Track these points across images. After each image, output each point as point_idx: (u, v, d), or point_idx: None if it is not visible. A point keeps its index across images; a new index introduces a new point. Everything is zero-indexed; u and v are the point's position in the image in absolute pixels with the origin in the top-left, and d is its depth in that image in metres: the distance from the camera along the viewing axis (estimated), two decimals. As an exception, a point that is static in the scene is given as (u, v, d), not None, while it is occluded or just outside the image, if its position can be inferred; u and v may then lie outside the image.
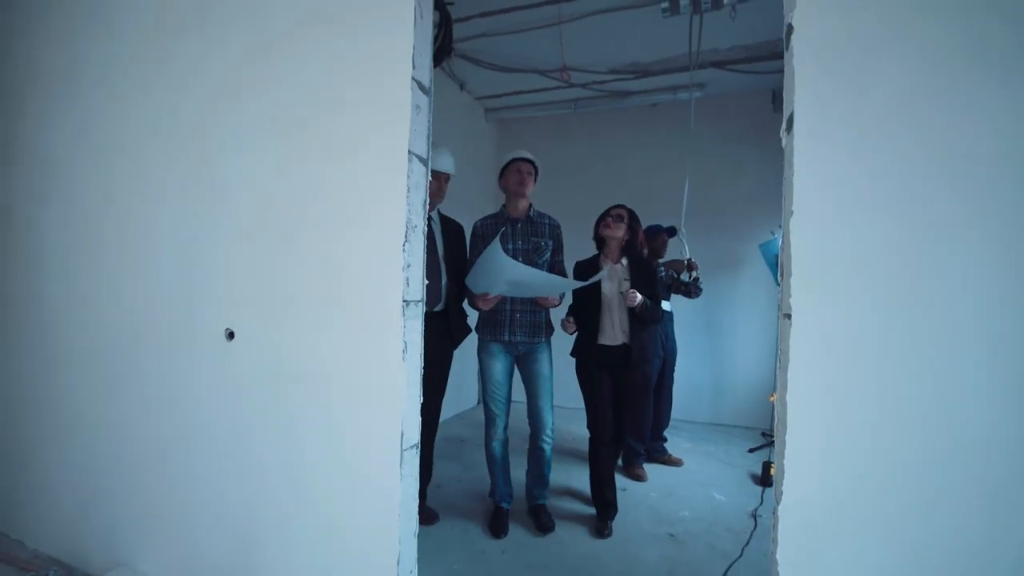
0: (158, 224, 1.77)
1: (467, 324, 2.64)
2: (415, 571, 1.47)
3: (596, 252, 2.66)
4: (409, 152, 1.36)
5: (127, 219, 1.84)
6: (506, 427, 2.53)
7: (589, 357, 2.55)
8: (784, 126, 1.07)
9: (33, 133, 2.08)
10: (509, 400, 2.53)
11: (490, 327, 2.48)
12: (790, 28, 1.02)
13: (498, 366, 2.48)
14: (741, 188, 4.36)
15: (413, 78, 1.36)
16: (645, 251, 2.72)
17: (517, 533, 2.47)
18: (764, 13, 3.08)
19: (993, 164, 0.93)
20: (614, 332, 2.51)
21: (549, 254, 2.48)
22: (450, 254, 2.51)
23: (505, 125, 5.28)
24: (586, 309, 2.57)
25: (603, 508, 2.54)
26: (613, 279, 2.54)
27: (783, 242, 1.06)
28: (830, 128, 1.00)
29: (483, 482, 3.04)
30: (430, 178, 1.48)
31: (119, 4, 1.86)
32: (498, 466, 2.55)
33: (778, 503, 1.04)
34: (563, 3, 3.21)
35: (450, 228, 2.58)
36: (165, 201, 1.75)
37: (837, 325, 1.00)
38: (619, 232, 2.53)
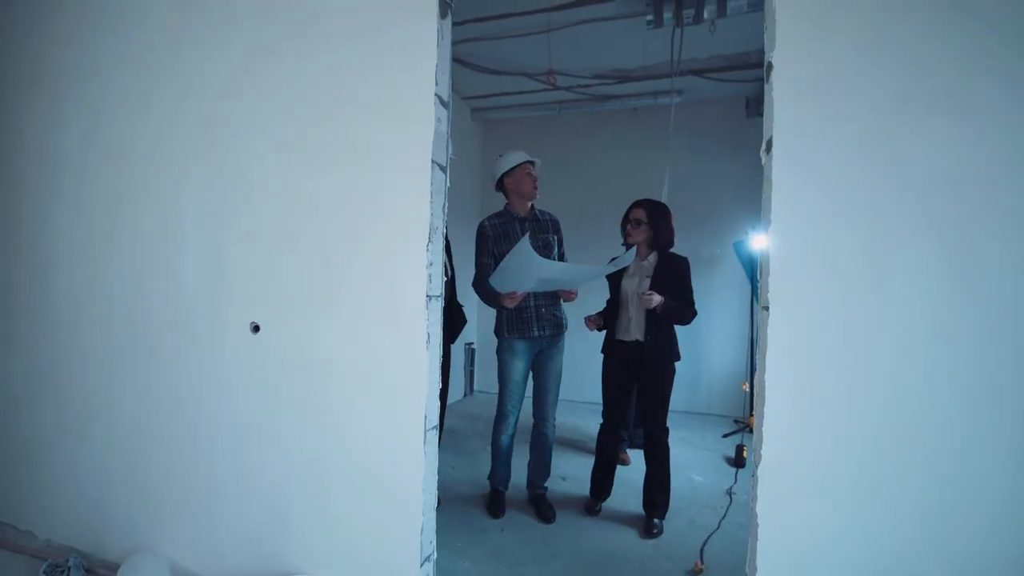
0: (181, 222, 1.86)
1: (464, 316, 2.72)
2: (434, 541, 1.63)
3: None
4: (432, 161, 1.50)
5: (146, 218, 1.92)
6: (516, 422, 2.59)
7: (608, 351, 2.62)
8: (764, 147, 1.26)
9: (43, 132, 2.13)
10: (522, 399, 2.58)
11: (517, 325, 2.49)
12: (770, 65, 1.21)
13: (521, 366, 2.51)
14: (716, 189, 4.61)
15: (436, 94, 1.50)
16: (673, 243, 2.59)
17: (517, 519, 2.57)
18: (740, 27, 3.30)
19: (940, 186, 1.13)
20: (629, 329, 2.52)
21: (556, 249, 2.59)
22: (448, 252, 2.58)
23: (491, 125, 5.41)
24: (610, 304, 2.65)
25: (598, 490, 2.68)
26: (635, 275, 2.53)
27: (764, 246, 1.26)
28: (803, 151, 1.19)
29: (477, 470, 3.20)
30: None
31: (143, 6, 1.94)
32: (503, 455, 2.62)
33: (757, 465, 1.24)
34: (554, 12, 3.37)
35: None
36: (189, 201, 1.85)
37: (807, 315, 1.20)
38: (640, 237, 2.52)
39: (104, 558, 2.05)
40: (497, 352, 2.58)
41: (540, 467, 2.67)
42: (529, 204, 2.56)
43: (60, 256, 2.11)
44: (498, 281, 2.34)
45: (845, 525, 1.19)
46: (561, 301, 2.58)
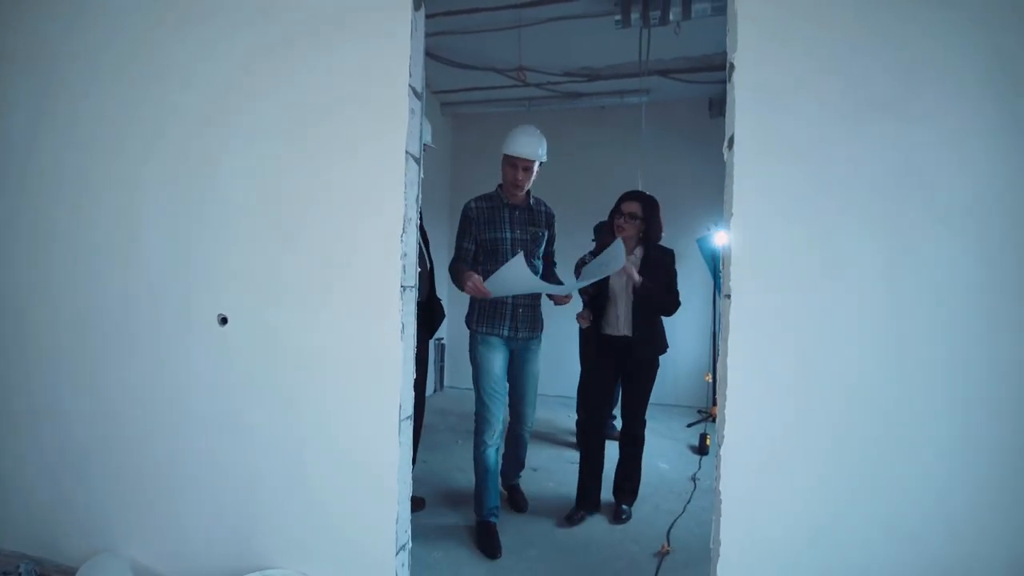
0: (141, 211, 1.80)
1: (443, 310, 2.62)
2: (409, 530, 1.64)
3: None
4: (406, 152, 1.51)
5: (110, 210, 1.85)
6: (503, 431, 2.30)
7: (592, 344, 2.60)
8: (726, 144, 1.33)
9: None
10: (506, 398, 2.32)
11: (488, 320, 2.31)
12: (732, 66, 1.28)
13: (499, 360, 2.28)
14: (680, 186, 4.74)
15: (409, 85, 1.51)
16: (662, 236, 2.57)
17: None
18: (704, 31, 3.41)
19: (884, 184, 1.22)
20: (618, 324, 2.48)
21: (545, 245, 2.42)
22: (426, 243, 2.49)
23: (461, 120, 5.41)
24: (596, 297, 2.57)
25: (584, 499, 2.54)
26: (622, 272, 2.42)
27: (726, 239, 1.32)
28: (762, 147, 1.26)
29: (450, 462, 3.21)
30: None
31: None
32: (491, 477, 2.26)
33: (720, 446, 1.31)
34: (523, 8, 3.40)
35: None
36: (150, 189, 1.79)
37: (765, 302, 1.27)
38: (632, 231, 2.44)
39: (59, 562, 1.98)
40: (470, 348, 2.37)
41: (514, 463, 2.62)
42: (522, 192, 2.32)
43: (10, 248, 2.00)
44: (491, 286, 2.16)
45: (802, 499, 1.27)
46: (540, 301, 2.42)
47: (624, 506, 2.55)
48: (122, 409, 1.86)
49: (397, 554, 1.55)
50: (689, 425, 4.17)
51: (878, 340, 1.22)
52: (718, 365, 1.35)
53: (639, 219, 2.43)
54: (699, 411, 4.55)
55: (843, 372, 1.25)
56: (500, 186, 2.38)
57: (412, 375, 1.60)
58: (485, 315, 2.33)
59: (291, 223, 1.62)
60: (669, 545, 2.24)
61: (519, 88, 4.65)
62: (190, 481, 1.78)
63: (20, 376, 1.99)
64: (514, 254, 2.12)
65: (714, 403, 4.23)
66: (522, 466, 2.66)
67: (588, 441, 2.61)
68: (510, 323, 2.30)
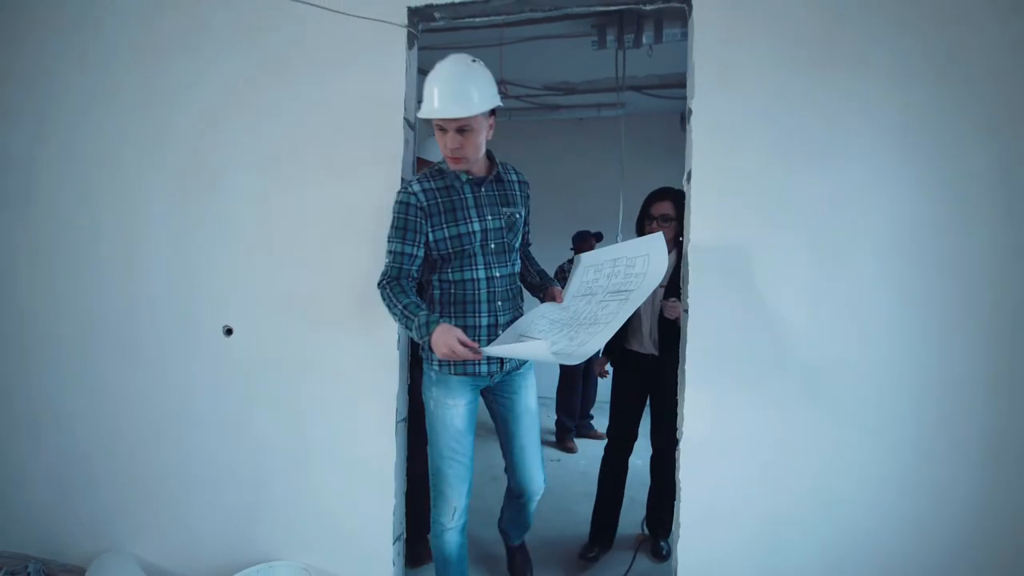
0: (151, 229, 1.91)
1: None
2: (403, 522, 1.80)
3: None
4: (401, 179, 1.67)
5: (114, 224, 1.95)
6: (468, 507, 1.58)
7: (619, 359, 2.25)
8: (685, 177, 1.52)
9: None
10: (473, 461, 1.58)
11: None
12: (690, 111, 1.47)
13: (461, 407, 1.54)
14: (655, 195, 4.98)
15: (404, 118, 1.67)
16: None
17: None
18: (674, 51, 3.62)
19: (819, 209, 1.42)
20: (643, 340, 2.14)
21: (521, 226, 1.60)
22: None
23: (443, 129, 5.55)
24: None
25: (600, 533, 2.26)
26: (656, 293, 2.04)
27: (685, 259, 1.51)
28: (713, 180, 1.46)
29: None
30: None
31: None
32: (452, 570, 1.60)
33: (680, 440, 1.50)
34: (505, 28, 3.57)
35: None
36: (153, 204, 1.90)
37: (718, 315, 1.47)
38: (668, 235, 1.97)
39: (65, 562, 2.06)
40: (423, 388, 1.59)
41: (516, 527, 1.90)
42: (484, 158, 1.52)
43: (5, 258, 2.08)
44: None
45: (749, 484, 1.48)
46: (522, 296, 1.65)
47: (662, 542, 2.29)
48: (126, 415, 1.96)
49: (394, 543, 1.71)
50: (662, 423, 4.39)
51: (812, 343, 1.43)
52: (679, 371, 1.54)
53: (673, 220, 2.01)
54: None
55: (783, 372, 1.45)
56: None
57: (406, 381, 1.76)
58: None
59: (292, 240, 1.76)
60: (645, 532, 2.43)
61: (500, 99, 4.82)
62: (196, 482, 1.89)
63: (25, 387, 2.07)
64: (488, 254, 1.50)
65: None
66: (527, 528, 1.90)
67: (611, 468, 2.25)
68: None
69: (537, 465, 1.65)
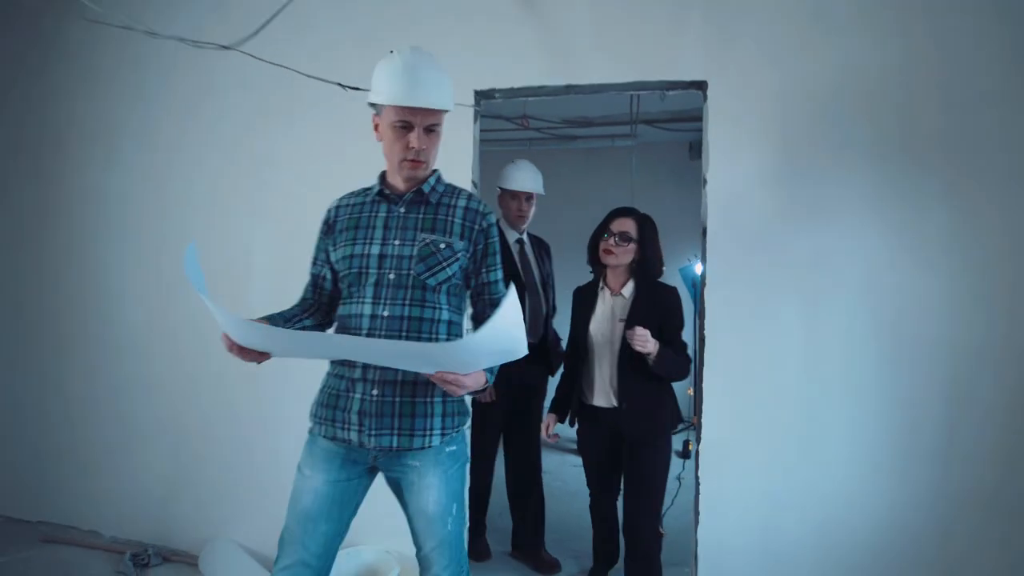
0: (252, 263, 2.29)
1: (561, 348, 2.23)
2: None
3: (592, 275, 2.00)
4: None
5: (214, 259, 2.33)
6: None
7: (580, 414, 2.01)
8: (702, 231, 1.89)
9: (99, 177, 2.48)
10: (325, 564, 1.29)
11: (325, 404, 1.28)
12: (705, 180, 1.85)
13: (313, 481, 1.27)
14: (664, 220, 5.26)
15: (472, 180, 2.05)
16: (662, 272, 1.94)
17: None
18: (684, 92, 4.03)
19: (810, 263, 1.79)
20: (604, 390, 1.87)
21: (459, 266, 1.26)
22: (543, 276, 2.34)
23: (466, 156, 5.95)
24: (571, 354, 1.96)
25: (603, 557, 2.19)
26: (606, 318, 1.87)
27: (703, 299, 1.88)
28: (725, 233, 1.83)
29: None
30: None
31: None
32: None
33: (699, 443, 1.86)
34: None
35: (543, 248, 2.52)
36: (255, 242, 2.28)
37: (729, 344, 1.83)
38: (626, 258, 1.83)
39: (174, 548, 2.42)
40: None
41: None
42: (422, 174, 1.29)
43: (124, 291, 2.46)
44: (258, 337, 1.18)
45: (756, 477, 1.83)
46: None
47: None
48: (220, 422, 2.33)
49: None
50: (674, 432, 4.71)
51: (800, 369, 1.80)
52: (696, 387, 1.90)
53: (633, 241, 1.83)
54: (682, 420, 5.10)
55: (782, 390, 1.81)
56: (384, 172, 1.35)
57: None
58: (324, 394, 1.30)
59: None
60: (663, 529, 2.76)
61: (520, 131, 5.23)
62: (288, 476, 2.24)
63: (143, 403, 2.45)
64: (383, 285, 1.23)
65: (695, 413, 4.76)
66: None
67: (597, 514, 2.17)
68: (349, 413, 1.22)
69: (452, 569, 1.26)
